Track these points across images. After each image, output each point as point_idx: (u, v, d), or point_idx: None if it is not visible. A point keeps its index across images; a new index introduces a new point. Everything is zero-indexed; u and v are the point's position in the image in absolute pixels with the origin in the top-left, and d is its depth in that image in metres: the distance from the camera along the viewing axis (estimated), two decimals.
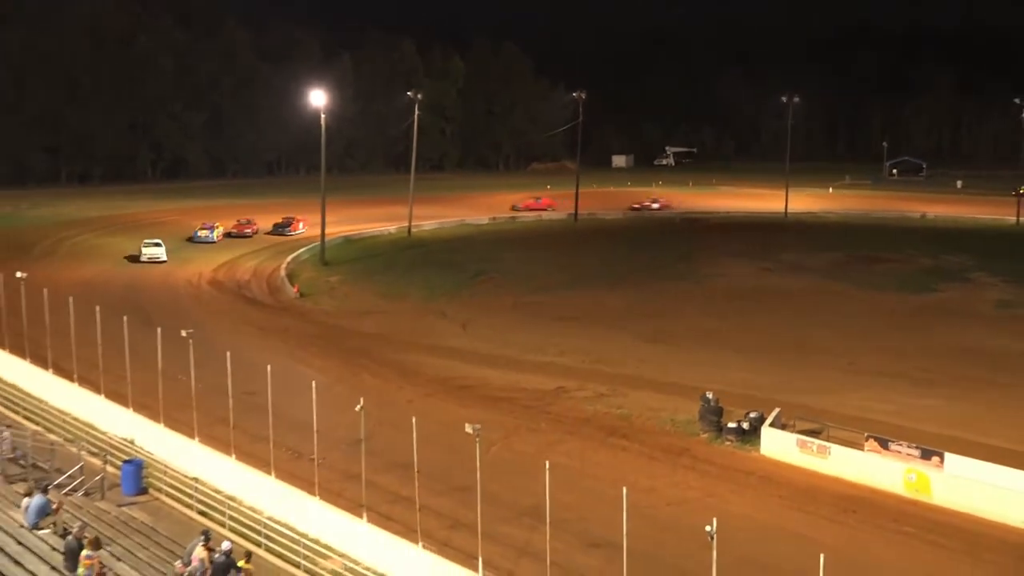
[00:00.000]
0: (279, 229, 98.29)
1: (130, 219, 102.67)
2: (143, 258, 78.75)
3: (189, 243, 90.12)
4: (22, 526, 28.98)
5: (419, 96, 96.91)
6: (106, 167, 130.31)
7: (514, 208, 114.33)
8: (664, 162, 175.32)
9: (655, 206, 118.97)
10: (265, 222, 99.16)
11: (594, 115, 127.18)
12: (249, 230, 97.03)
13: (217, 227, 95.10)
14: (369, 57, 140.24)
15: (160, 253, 79.75)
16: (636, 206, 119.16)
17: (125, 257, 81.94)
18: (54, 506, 30.58)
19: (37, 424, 43.18)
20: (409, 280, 79.38)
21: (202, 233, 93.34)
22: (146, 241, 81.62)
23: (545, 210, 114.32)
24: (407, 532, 31.04)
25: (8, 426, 38.83)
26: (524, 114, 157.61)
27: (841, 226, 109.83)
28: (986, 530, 35.08)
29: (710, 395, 44.58)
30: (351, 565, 31.43)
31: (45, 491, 31.45)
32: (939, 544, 33.62)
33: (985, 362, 54.35)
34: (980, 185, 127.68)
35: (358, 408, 32.40)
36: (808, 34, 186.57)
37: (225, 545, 29.55)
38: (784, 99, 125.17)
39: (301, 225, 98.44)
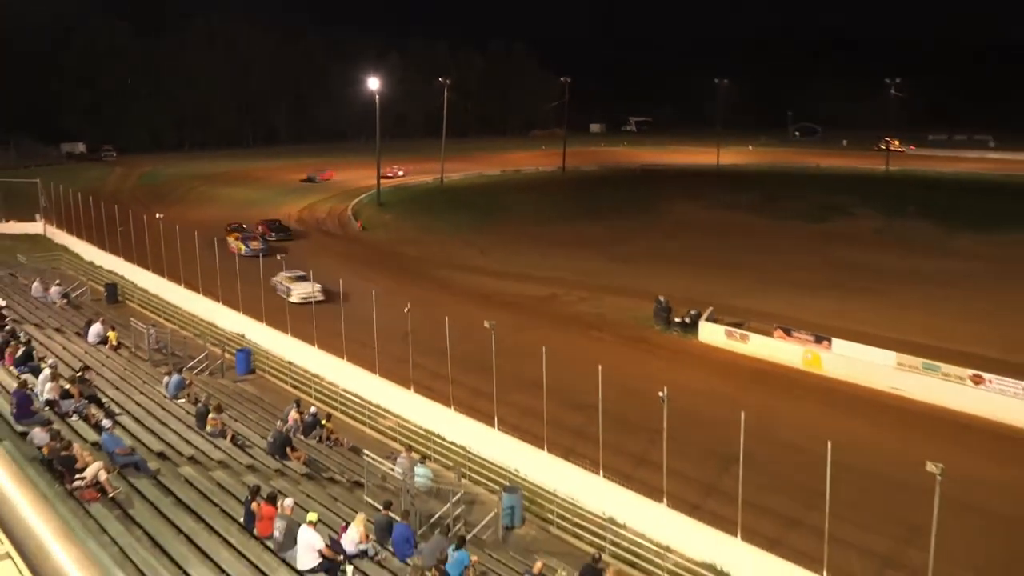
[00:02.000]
0: (311, 178, 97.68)
1: (238, 174, 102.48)
2: (292, 298, 44.37)
3: (286, 191, 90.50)
4: (165, 397, 29.39)
5: (448, 82, 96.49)
6: (218, 138, 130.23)
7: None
8: (628, 128, 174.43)
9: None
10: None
11: (576, 94, 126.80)
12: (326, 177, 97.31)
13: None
14: (412, 54, 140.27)
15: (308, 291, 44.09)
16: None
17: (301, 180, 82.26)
18: (187, 382, 31.02)
19: (173, 324, 43.57)
20: (442, 217, 79.27)
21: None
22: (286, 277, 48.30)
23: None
24: (443, 399, 31.44)
25: (153, 325, 39.14)
26: (526, 94, 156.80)
27: (758, 174, 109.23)
28: (860, 392, 35.47)
29: (662, 298, 44.81)
30: (403, 422, 31.88)
31: (181, 372, 31.90)
32: (826, 402, 34.04)
33: (864, 273, 54.43)
34: (860, 144, 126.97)
35: (406, 310, 32.66)
36: (741, 35, 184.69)
37: (312, 409, 30.03)
38: (716, 81, 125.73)
39: (332, 175, 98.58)
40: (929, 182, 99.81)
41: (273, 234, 65.05)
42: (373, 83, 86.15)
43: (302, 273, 45.59)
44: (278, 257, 45.59)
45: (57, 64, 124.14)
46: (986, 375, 33.98)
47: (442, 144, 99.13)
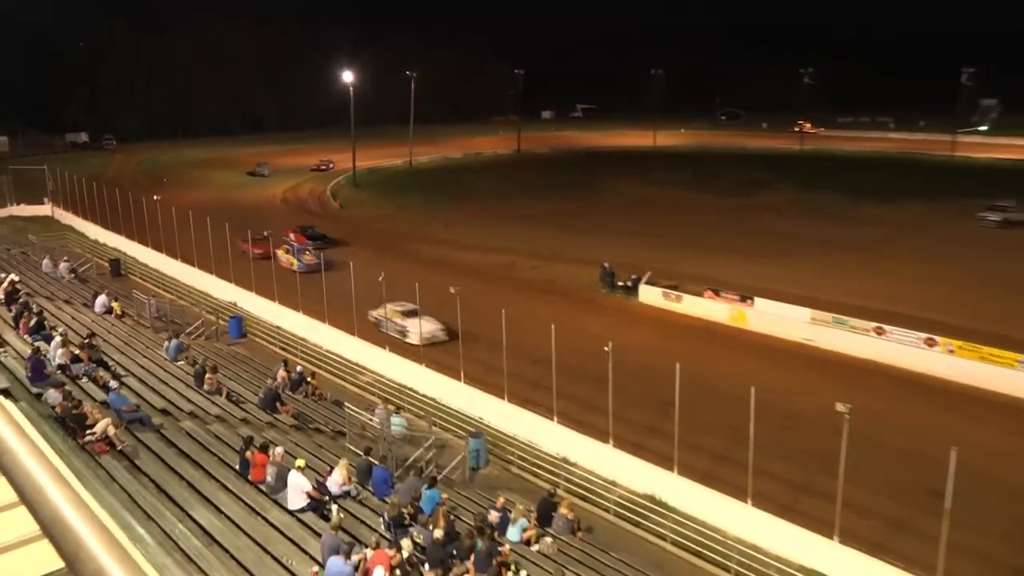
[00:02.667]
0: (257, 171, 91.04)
1: (227, 160, 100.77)
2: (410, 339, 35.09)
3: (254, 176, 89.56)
4: (166, 359, 29.10)
5: (414, 75, 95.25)
6: (209, 127, 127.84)
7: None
8: (575, 115, 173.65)
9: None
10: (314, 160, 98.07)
11: (529, 84, 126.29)
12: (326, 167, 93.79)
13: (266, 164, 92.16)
14: (383, 50, 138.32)
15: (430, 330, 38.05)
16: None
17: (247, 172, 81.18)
18: (186, 346, 30.74)
19: (171, 294, 43.06)
20: (412, 196, 78.68)
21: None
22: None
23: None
24: (414, 357, 31.46)
25: (153, 296, 38.69)
26: (487, 84, 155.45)
27: (690, 154, 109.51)
28: (780, 344, 35.97)
29: (607, 265, 44.98)
30: (379, 378, 31.85)
31: (179, 337, 31.56)
32: (750, 353, 34.44)
33: (782, 240, 54.92)
34: (778, 126, 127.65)
35: (380, 279, 32.56)
36: (675, 28, 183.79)
37: (298, 368, 29.90)
38: (652, 72, 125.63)
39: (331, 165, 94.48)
40: (837, 159, 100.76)
41: (309, 242, 52.83)
42: (348, 76, 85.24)
43: (413, 306, 33.68)
44: (264, 233, 44.32)
45: (60, 61, 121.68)
46: (887, 327, 34.63)
47: (411, 130, 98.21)
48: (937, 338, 33.13)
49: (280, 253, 47.29)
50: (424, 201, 75.32)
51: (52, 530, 2.51)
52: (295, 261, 45.84)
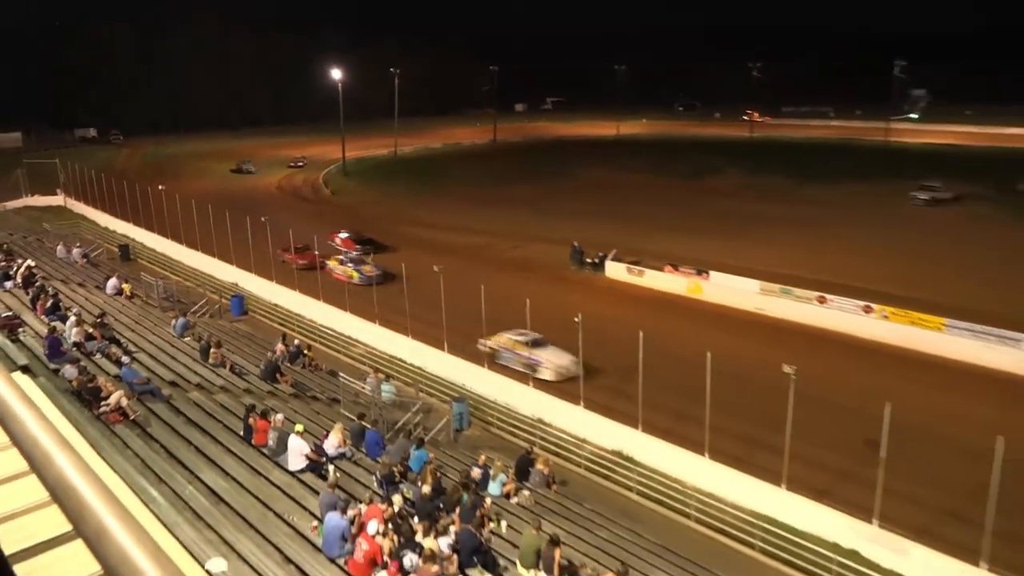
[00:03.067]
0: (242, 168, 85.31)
1: (227, 152, 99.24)
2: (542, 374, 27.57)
3: (267, 165, 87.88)
4: (174, 336, 28.81)
5: (398, 72, 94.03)
6: (209, 122, 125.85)
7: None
8: (546, 107, 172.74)
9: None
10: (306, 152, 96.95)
11: (504, 79, 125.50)
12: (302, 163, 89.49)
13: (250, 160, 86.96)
14: (370, 50, 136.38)
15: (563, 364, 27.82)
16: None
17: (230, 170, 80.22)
18: (192, 324, 30.45)
19: (177, 276, 42.63)
20: (397, 183, 78.27)
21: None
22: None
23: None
24: (402, 329, 31.33)
25: (162, 278, 38.27)
26: (465, 80, 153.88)
27: (650, 142, 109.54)
28: (733, 313, 36.21)
29: (576, 244, 45.02)
30: (370, 349, 31.75)
31: (186, 315, 31.29)
32: (705, 321, 34.68)
33: (734, 218, 55.20)
34: (730, 116, 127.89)
35: (369, 259, 32.35)
36: (637, 26, 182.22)
37: (296, 342, 29.71)
38: (616, 67, 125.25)
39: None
40: (783, 145, 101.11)
41: (359, 247, 45.96)
42: (337, 74, 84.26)
43: (537, 335, 28.05)
44: (262, 219, 43.05)
45: (68, 61, 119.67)
46: (828, 296, 34.93)
47: (395, 123, 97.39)
48: (873, 305, 33.47)
49: (333, 264, 41.09)
50: (408, 187, 74.91)
51: (59, 495, 2.45)
52: (354, 273, 39.35)
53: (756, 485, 20.24)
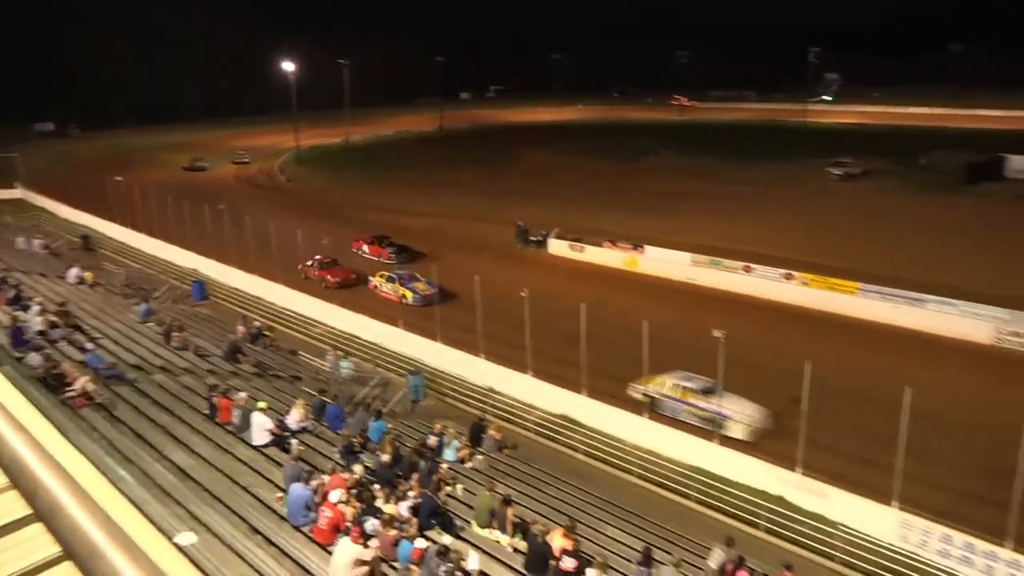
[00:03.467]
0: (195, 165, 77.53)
1: (182, 145, 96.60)
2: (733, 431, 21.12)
3: (223, 156, 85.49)
4: (137, 322, 28.09)
5: (347, 63, 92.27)
6: (166, 113, 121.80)
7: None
8: (489, 95, 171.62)
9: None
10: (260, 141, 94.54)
11: (450, 69, 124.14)
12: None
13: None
14: (322, 43, 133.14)
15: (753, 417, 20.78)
16: None
17: (183, 167, 78.10)
18: (154, 310, 29.71)
19: (139, 263, 41.50)
20: (349, 169, 77.13)
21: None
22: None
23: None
24: (359, 309, 31.04)
25: (123, 266, 37.22)
26: (413, 71, 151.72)
27: (588, 126, 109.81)
28: (667, 284, 36.67)
29: (521, 223, 45.02)
30: (329, 329, 31.39)
31: (148, 301, 30.52)
32: (641, 292, 35.08)
33: (667, 198, 55.72)
34: (660, 101, 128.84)
35: (324, 242, 31.91)
36: (576, 20, 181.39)
37: (256, 323, 29.22)
38: (553, 56, 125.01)
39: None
40: (710, 127, 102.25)
41: (393, 255, 39.96)
42: (289, 66, 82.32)
43: (708, 382, 22.08)
44: (220, 207, 41.86)
45: (22, 54, 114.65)
46: (753, 265, 35.61)
47: (346, 112, 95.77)
48: (794, 273, 34.25)
49: (379, 282, 34.69)
50: (360, 174, 73.89)
51: (17, 480, 2.37)
52: (407, 292, 33.00)
53: (691, 441, 20.66)
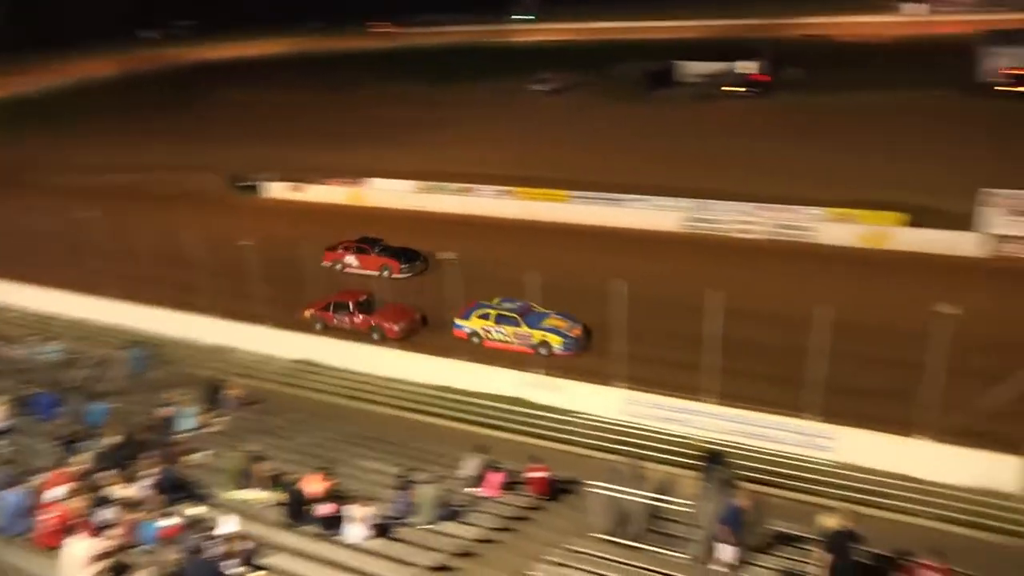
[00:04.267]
0: None
1: None
2: None
3: None
4: None
5: None
6: None
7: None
8: (176, 32, 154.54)
9: None
10: None
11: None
12: None
13: None
14: None
15: None
16: None
17: None
18: None
19: None
20: (17, 129, 66.60)
21: None
22: None
23: None
24: (60, 284, 27.66)
25: None
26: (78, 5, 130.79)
27: (296, 59, 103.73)
28: (392, 213, 36.51)
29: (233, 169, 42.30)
30: (28, 312, 27.72)
31: None
32: (369, 224, 33.06)
33: (382, 127, 54.32)
34: (367, 29, 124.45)
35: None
36: None
37: None
38: None
39: None
40: (417, 53, 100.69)
41: (405, 265, 28.70)
42: None
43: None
44: None
45: None
46: (473, 186, 37.00)
47: None
48: (510, 189, 36.10)
49: (485, 327, 22.71)
50: (37, 132, 64.01)
51: None
52: (558, 340, 21.92)
53: (430, 361, 21.51)
